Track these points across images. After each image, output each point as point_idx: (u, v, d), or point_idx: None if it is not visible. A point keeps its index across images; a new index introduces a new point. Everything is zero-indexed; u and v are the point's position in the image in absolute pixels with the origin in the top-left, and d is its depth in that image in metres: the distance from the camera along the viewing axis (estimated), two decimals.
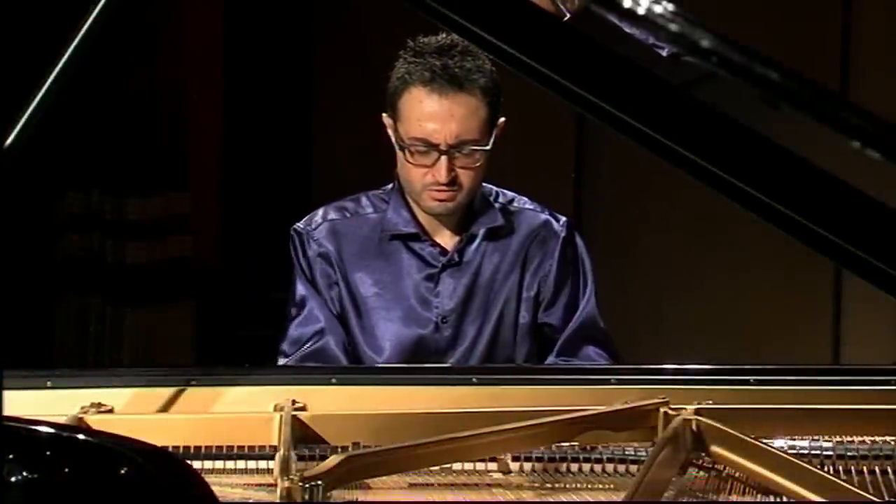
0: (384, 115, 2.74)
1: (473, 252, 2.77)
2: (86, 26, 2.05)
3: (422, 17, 1.53)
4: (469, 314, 2.75)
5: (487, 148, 2.66)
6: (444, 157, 2.64)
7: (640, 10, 1.38)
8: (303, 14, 5.24)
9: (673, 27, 1.37)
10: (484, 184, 2.79)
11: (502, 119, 2.73)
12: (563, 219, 2.84)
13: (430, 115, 2.64)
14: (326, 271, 2.77)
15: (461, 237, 2.77)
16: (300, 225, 2.81)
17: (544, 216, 2.82)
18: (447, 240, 2.77)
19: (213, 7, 5.03)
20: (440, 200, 2.68)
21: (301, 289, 2.78)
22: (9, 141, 1.98)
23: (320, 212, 2.82)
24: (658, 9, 1.37)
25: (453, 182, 2.66)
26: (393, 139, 2.72)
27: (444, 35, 2.70)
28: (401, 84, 2.69)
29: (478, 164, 2.67)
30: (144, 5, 4.71)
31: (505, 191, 2.86)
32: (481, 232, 2.77)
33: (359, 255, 2.77)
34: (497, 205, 2.80)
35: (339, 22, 5.16)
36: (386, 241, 2.77)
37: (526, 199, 2.86)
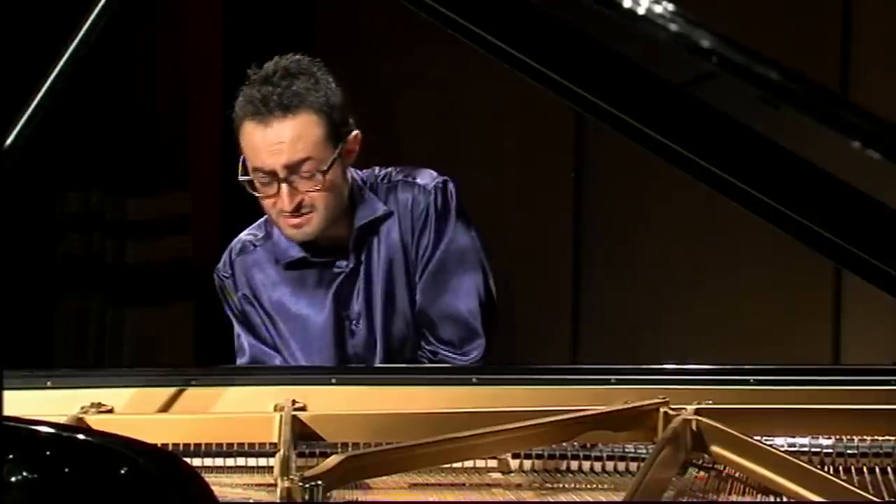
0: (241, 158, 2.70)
1: (364, 250, 2.74)
2: (86, 26, 2.05)
3: (422, 17, 1.53)
4: (375, 310, 2.74)
5: (326, 168, 2.61)
6: (284, 185, 2.61)
7: (640, 10, 1.38)
8: (303, 14, 5.24)
9: (673, 27, 1.37)
10: (358, 171, 2.75)
11: (355, 132, 2.67)
12: (433, 184, 2.75)
13: (260, 145, 2.61)
14: (253, 316, 2.78)
15: (348, 240, 2.73)
16: (219, 266, 2.83)
17: (415, 188, 2.74)
18: (342, 248, 2.74)
19: (213, 7, 5.03)
20: (296, 227, 2.66)
21: (241, 331, 2.80)
22: (9, 141, 1.98)
23: (234, 248, 2.82)
24: (658, 9, 1.37)
25: (300, 206, 2.63)
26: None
27: (278, 58, 2.69)
28: (235, 119, 2.67)
29: (321, 186, 2.62)
30: (144, 5, 4.71)
31: (381, 169, 2.79)
32: (364, 226, 2.72)
33: (270, 283, 2.78)
34: (372, 189, 2.75)
35: (339, 22, 5.16)
36: (290, 260, 2.76)
37: (405, 171, 2.78)
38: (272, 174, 2.61)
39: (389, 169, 2.79)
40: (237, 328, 2.81)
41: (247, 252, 2.81)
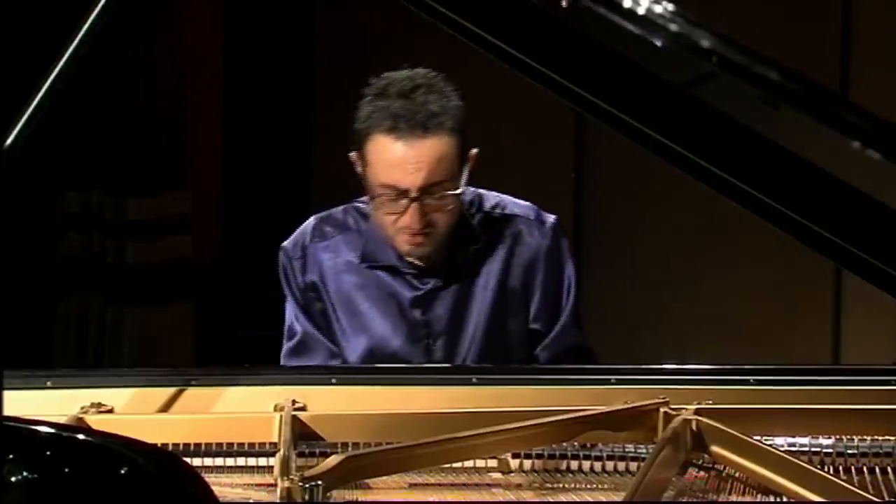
0: (352, 153, 2.66)
1: (459, 270, 2.71)
2: (86, 26, 2.05)
3: (421, 17, 1.53)
4: (459, 332, 2.70)
5: (459, 192, 2.59)
6: (414, 204, 2.56)
7: (640, 10, 1.38)
8: (303, 14, 5.24)
9: (673, 27, 1.37)
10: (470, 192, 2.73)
11: (474, 150, 2.64)
12: (550, 222, 2.75)
13: (396, 162, 2.55)
14: (315, 302, 2.74)
15: (444, 262, 2.69)
16: (288, 246, 2.76)
17: (528, 223, 2.74)
18: (431, 266, 2.69)
19: (213, 7, 5.03)
20: (416, 245, 2.61)
21: (291, 314, 2.75)
22: (9, 141, 1.98)
23: (307, 231, 2.76)
24: (658, 9, 1.37)
25: (426, 225, 2.58)
26: (362, 179, 2.65)
27: (407, 72, 2.63)
28: (365, 129, 2.60)
29: (450, 207, 2.60)
30: (144, 5, 4.72)
31: (487, 194, 2.77)
32: (462, 251, 2.69)
33: (345, 277, 2.72)
34: (479, 215, 2.72)
35: (339, 22, 5.16)
36: (369, 263, 2.71)
37: (510, 200, 2.77)
38: (403, 193, 2.56)
39: (472, 190, 2.74)
40: (292, 311, 2.74)
41: (325, 238, 2.75)
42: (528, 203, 2.79)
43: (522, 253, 2.72)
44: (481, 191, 2.77)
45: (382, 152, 2.57)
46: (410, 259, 2.66)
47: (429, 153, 2.55)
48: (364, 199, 2.73)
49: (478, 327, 2.70)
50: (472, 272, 2.71)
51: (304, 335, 2.73)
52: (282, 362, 2.76)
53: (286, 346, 2.76)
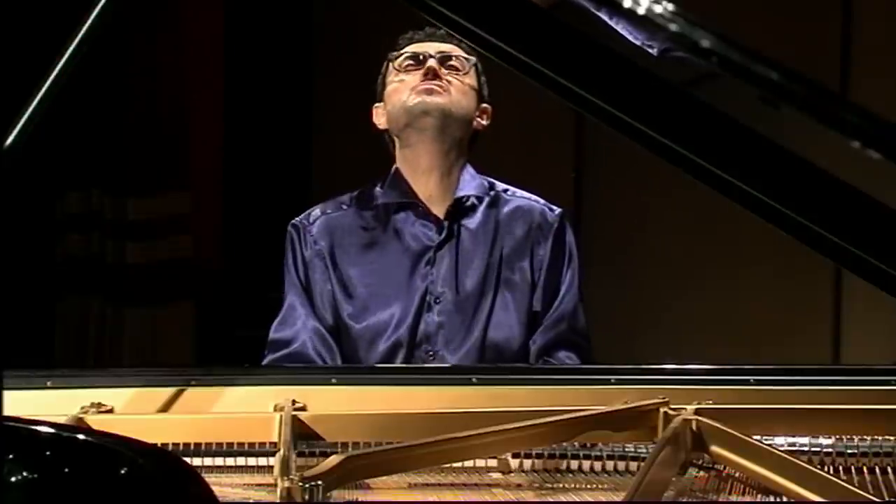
0: (375, 106, 2.85)
1: (467, 236, 2.80)
2: (86, 27, 2.05)
3: (421, 17, 1.53)
4: (460, 294, 2.77)
5: (474, 60, 2.81)
6: (432, 60, 2.79)
7: (640, 10, 1.38)
8: (302, 13, 5.25)
9: (673, 27, 1.37)
10: (480, 176, 2.85)
11: (486, 105, 2.84)
12: (558, 210, 2.87)
13: (419, 43, 2.83)
14: (321, 271, 2.79)
15: (453, 205, 2.81)
16: (297, 220, 2.85)
17: (539, 206, 2.86)
18: (440, 212, 2.80)
19: (213, 7, 5.04)
20: (429, 92, 2.76)
21: (288, 288, 2.82)
22: (9, 141, 1.98)
23: (318, 207, 2.87)
24: (658, 9, 1.37)
25: (439, 78, 2.77)
26: (385, 100, 2.83)
27: None
28: (390, 57, 2.85)
29: (465, 74, 2.80)
30: (144, 5, 4.72)
31: (500, 183, 2.89)
32: (477, 217, 2.81)
33: (354, 247, 2.80)
34: (492, 192, 2.85)
35: (338, 21, 5.16)
36: (380, 228, 2.81)
37: (521, 190, 2.89)
38: (423, 53, 2.80)
39: (488, 179, 2.89)
40: (287, 287, 2.81)
41: (339, 211, 2.85)
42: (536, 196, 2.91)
43: (529, 234, 2.82)
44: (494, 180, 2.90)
45: (408, 46, 2.85)
46: (423, 108, 2.77)
47: (448, 44, 2.82)
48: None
49: (484, 296, 2.77)
50: (480, 242, 2.80)
51: (288, 307, 2.79)
52: (269, 335, 2.80)
53: (276, 321, 2.81)
